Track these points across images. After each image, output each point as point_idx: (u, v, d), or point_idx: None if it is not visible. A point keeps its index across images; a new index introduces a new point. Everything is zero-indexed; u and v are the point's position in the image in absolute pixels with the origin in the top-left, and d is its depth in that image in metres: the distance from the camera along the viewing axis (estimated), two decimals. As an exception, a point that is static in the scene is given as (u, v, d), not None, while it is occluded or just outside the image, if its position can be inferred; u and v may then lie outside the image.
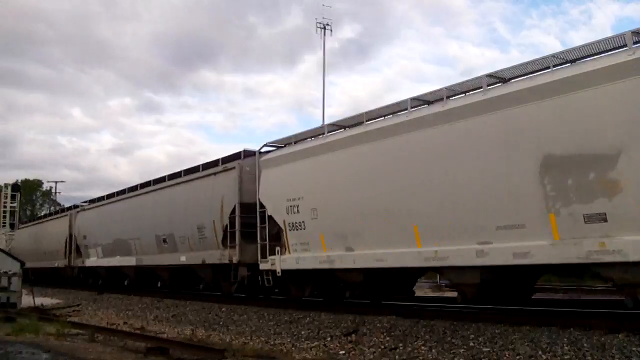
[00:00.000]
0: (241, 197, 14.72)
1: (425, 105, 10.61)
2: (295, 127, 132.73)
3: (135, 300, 18.67)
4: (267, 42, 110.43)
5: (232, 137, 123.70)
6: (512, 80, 9.37)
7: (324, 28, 34.85)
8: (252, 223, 14.28)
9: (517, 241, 8.58)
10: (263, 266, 13.79)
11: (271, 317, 12.50)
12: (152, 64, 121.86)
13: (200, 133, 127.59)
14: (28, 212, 72.80)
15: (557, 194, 8.17)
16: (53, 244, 29.46)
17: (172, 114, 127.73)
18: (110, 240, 22.64)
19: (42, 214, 50.38)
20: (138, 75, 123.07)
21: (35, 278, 32.11)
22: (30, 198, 79.95)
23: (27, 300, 18.02)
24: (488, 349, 7.75)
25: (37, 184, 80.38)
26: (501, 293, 10.00)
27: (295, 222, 12.85)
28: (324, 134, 12.70)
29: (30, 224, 38.03)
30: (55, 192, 67.27)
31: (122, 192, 22.92)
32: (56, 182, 66.27)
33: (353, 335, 9.73)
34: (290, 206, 12.93)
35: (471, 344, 8.15)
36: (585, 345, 7.17)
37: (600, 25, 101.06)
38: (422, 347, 8.37)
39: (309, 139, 13.47)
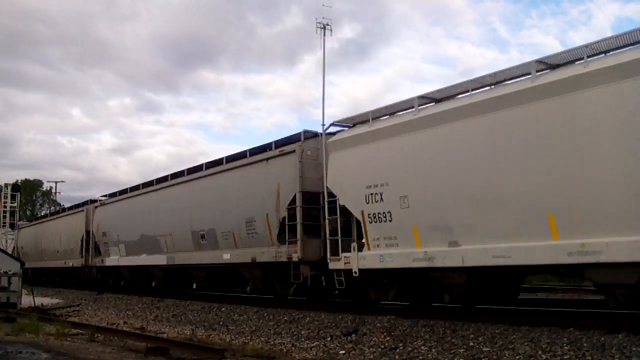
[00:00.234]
0: (302, 184, 12.86)
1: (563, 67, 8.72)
2: (295, 127, 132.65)
3: (135, 300, 18.67)
4: (267, 42, 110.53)
5: (231, 137, 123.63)
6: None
7: (324, 28, 34.81)
8: (313, 215, 12.68)
9: None
10: (334, 265, 11.90)
11: (271, 317, 12.50)
12: (152, 64, 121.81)
13: (200, 133, 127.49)
14: (28, 212, 72.81)
15: None
16: (66, 242, 27.49)
17: (172, 114, 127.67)
18: (136, 237, 20.53)
19: (43, 214, 50.36)
20: (138, 75, 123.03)
21: (46, 279, 31.45)
22: (30, 198, 79.98)
23: (27, 300, 18.02)
24: (488, 349, 7.75)
25: (37, 184, 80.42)
26: None
27: (378, 213, 10.92)
28: (413, 107, 10.66)
29: (37, 221, 35.87)
30: (55, 192, 67.28)
31: (149, 183, 20.65)
32: (56, 182, 66.13)
33: (353, 335, 9.74)
34: (371, 194, 10.99)
35: (471, 344, 8.15)
36: (585, 345, 7.17)
37: (600, 25, 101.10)
38: (422, 347, 8.38)
39: (393, 115, 11.37)
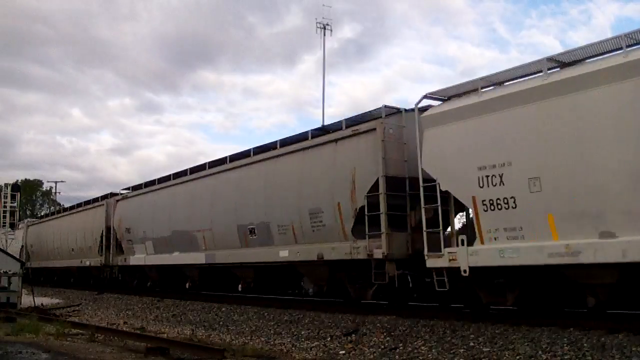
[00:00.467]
0: (386, 168, 10.98)
1: None
2: (295, 127, 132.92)
3: (135, 300, 18.68)
4: (267, 42, 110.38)
5: (231, 137, 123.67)
6: None
7: (324, 28, 34.75)
8: (398, 204, 10.96)
9: None
10: (433, 263, 9.98)
11: (271, 317, 12.50)
12: (152, 64, 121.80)
13: (200, 133, 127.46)
14: (28, 212, 72.77)
15: None
16: (83, 240, 25.22)
17: (172, 114, 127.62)
18: (166, 232, 18.38)
19: (43, 213, 50.28)
20: (137, 76, 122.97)
21: (58, 279, 29.60)
22: (30, 198, 79.98)
23: (27, 300, 18.03)
24: (488, 349, 7.75)
25: (37, 184, 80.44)
26: None
27: (497, 199, 9.14)
28: (541, 72, 8.99)
29: (49, 218, 33.07)
30: (55, 192, 67.33)
31: (182, 173, 18.53)
32: (56, 182, 66.29)
33: (353, 335, 9.74)
34: (486, 177, 9.26)
35: (471, 344, 8.15)
36: (585, 345, 7.17)
37: (600, 25, 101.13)
38: (422, 347, 8.38)
39: (511, 82, 9.64)
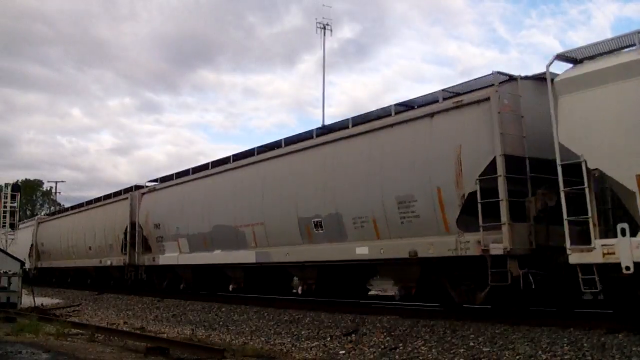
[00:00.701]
0: (504, 145, 9.13)
1: None
2: (295, 127, 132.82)
3: (135, 300, 18.66)
4: (266, 42, 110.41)
5: (231, 137, 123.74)
6: None
7: (324, 28, 34.77)
8: (516, 190, 9.14)
9: None
10: (579, 258, 8.09)
11: (271, 317, 12.50)
12: (152, 64, 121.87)
13: (200, 133, 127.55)
14: (28, 212, 72.79)
15: None
16: (102, 237, 23.01)
17: (172, 114, 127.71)
18: (205, 228, 16.32)
19: (43, 214, 50.24)
20: (137, 75, 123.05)
21: (72, 280, 27.48)
22: (30, 198, 80.00)
23: (27, 300, 18.02)
24: (488, 349, 7.75)
25: (37, 184, 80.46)
26: None
27: None
28: None
29: (62, 214, 30.58)
30: (56, 192, 67.32)
31: (222, 161, 16.51)
32: (56, 182, 66.25)
33: (353, 335, 9.74)
34: None
35: (471, 344, 8.15)
36: (585, 345, 7.17)
37: (600, 25, 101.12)
38: (422, 347, 8.38)
39: None
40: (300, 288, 13.64)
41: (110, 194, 24.13)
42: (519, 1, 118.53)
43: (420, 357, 7.98)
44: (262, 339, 10.52)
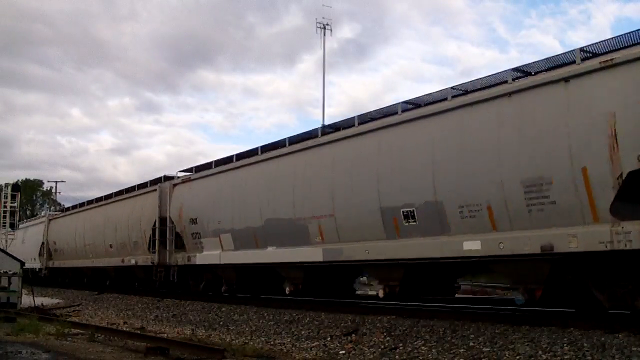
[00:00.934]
0: None
1: None
2: (295, 127, 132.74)
3: (135, 300, 18.66)
4: (266, 41, 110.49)
5: (231, 137, 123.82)
6: None
7: (324, 28, 34.79)
8: None
9: None
10: None
11: (271, 317, 12.50)
12: (151, 64, 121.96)
13: (200, 133, 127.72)
14: (28, 212, 72.82)
15: None
16: (125, 234, 20.99)
17: (171, 114, 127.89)
18: (257, 222, 14.22)
19: (43, 214, 50.12)
20: (137, 75, 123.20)
21: (88, 281, 25.58)
22: (30, 198, 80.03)
23: (27, 300, 18.03)
24: (488, 349, 7.75)
25: (37, 184, 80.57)
26: None
27: None
28: None
29: (77, 209, 27.95)
30: (56, 192, 67.33)
31: (273, 146, 14.46)
32: (56, 182, 66.24)
33: (353, 335, 9.74)
34: None
35: (471, 344, 8.15)
36: (585, 345, 7.17)
37: (600, 25, 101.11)
38: (422, 347, 8.38)
39: None
40: (381, 290, 11.59)
41: (134, 186, 22.08)
42: (519, 1, 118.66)
43: (420, 357, 7.98)
44: (262, 339, 10.52)
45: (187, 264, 17.37)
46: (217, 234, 15.85)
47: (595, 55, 8.50)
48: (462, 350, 7.96)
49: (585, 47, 8.67)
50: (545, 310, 9.81)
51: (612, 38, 8.49)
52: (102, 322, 14.16)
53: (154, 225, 18.92)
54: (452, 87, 10.39)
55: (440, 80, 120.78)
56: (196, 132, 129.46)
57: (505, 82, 9.39)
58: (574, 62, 8.59)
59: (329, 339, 9.80)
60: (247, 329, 11.67)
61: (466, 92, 10.17)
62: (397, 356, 8.19)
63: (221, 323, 12.81)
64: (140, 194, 20.88)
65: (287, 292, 14.06)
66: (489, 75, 9.99)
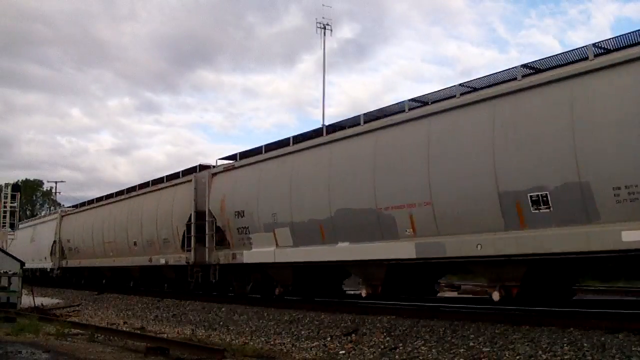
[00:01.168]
0: None
1: None
2: (295, 127, 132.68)
3: (135, 300, 18.66)
4: (266, 42, 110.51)
5: (231, 137, 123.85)
6: None
7: (324, 28, 34.78)
8: None
9: None
10: None
11: (271, 317, 12.49)
12: (151, 64, 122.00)
13: (200, 133, 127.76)
14: (28, 212, 72.81)
15: None
16: (153, 231, 18.79)
17: (171, 114, 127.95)
18: (324, 213, 12.15)
19: (43, 214, 50.11)
20: (137, 75, 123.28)
21: (108, 282, 23.63)
22: (30, 198, 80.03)
23: (27, 300, 18.03)
24: (488, 349, 7.75)
25: (37, 184, 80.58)
26: None
27: None
28: None
29: (92, 205, 25.58)
30: (56, 192, 67.35)
31: (341, 125, 12.65)
32: (56, 182, 66.34)
33: (353, 335, 9.74)
34: None
35: (471, 344, 8.15)
36: (585, 345, 7.17)
37: (599, 25, 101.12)
38: (422, 347, 8.38)
39: None
40: (497, 293, 9.40)
41: (162, 177, 19.70)
42: (519, 1, 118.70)
43: (420, 357, 7.98)
44: (262, 339, 10.52)
45: (231, 262, 15.23)
46: (270, 228, 13.71)
47: None
48: (462, 350, 7.96)
49: None
50: (545, 310, 9.81)
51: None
52: (102, 322, 14.16)
53: (189, 220, 16.80)
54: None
55: (440, 80, 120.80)
56: (196, 132, 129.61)
57: None
58: None
59: (329, 339, 9.80)
60: (247, 329, 11.67)
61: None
62: (397, 356, 8.19)
63: (221, 323, 12.81)
64: (169, 186, 18.70)
65: (363, 295, 11.95)
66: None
